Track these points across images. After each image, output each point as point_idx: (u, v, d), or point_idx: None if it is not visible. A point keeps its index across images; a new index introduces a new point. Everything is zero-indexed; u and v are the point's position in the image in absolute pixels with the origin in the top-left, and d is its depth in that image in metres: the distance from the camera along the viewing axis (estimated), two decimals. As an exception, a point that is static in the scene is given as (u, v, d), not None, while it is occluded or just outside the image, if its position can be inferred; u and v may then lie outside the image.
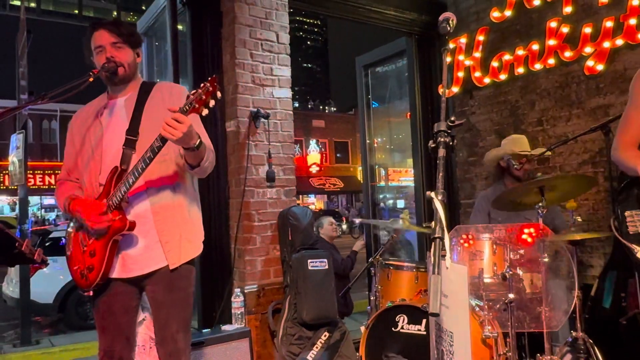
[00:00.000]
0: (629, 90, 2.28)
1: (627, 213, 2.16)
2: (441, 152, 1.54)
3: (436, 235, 1.36)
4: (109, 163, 2.08)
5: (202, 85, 1.83)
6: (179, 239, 2.11)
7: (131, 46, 2.16)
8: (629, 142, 2.19)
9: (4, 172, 23.18)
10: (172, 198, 2.11)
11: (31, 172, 23.43)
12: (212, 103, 1.84)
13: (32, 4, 43.53)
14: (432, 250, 1.35)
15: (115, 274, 2.08)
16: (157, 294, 2.13)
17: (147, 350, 2.52)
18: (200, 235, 2.25)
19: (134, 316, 2.19)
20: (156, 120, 2.06)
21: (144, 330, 2.46)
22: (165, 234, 2.09)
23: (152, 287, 2.13)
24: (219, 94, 1.84)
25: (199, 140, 1.93)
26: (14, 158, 6.15)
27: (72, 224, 2.18)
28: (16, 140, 6.09)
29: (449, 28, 1.75)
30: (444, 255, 1.34)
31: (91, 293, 2.07)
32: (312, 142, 31.49)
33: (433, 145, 1.59)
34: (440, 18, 1.79)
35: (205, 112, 1.85)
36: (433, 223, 1.40)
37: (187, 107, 1.83)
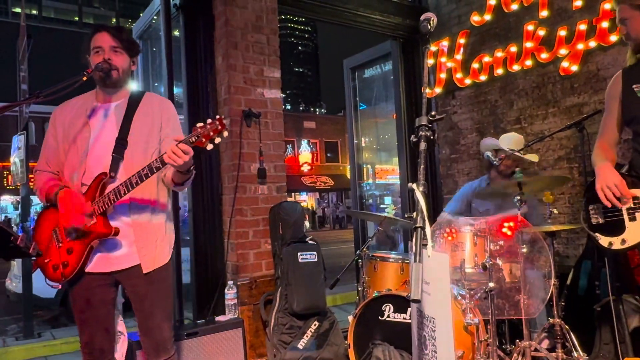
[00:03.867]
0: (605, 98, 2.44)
1: (590, 207, 2.34)
2: (422, 145, 1.53)
3: (417, 225, 1.34)
4: (95, 166, 2.04)
5: (210, 122, 1.82)
6: (154, 248, 2.12)
7: (128, 53, 2.13)
8: (603, 144, 2.38)
9: (7, 172, 22.90)
10: (150, 218, 2.12)
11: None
12: (217, 140, 1.83)
13: (34, 11, 43.05)
14: (413, 239, 1.34)
15: (93, 268, 2.05)
16: (137, 288, 2.10)
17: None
18: (172, 244, 2.25)
19: (112, 308, 2.16)
20: (144, 130, 2.11)
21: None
22: (142, 241, 2.09)
23: (131, 282, 2.11)
24: (225, 133, 1.83)
25: (192, 166, 1.95)
26: (15, 158, 6.06)
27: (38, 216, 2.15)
28: (18, 141, 6.00)
29: (429, 27, 1.74)
30: (425, 244, 1.32)
31: (60, 286, 2.03)
32: (304, 143, 31.41)
33: (415, 140, 1.57)
34: (422, 18, 1.78)
35: (210, 147, 1.84)
36: (415, 213, 1.38)
37: (194, 139, 1.81)
